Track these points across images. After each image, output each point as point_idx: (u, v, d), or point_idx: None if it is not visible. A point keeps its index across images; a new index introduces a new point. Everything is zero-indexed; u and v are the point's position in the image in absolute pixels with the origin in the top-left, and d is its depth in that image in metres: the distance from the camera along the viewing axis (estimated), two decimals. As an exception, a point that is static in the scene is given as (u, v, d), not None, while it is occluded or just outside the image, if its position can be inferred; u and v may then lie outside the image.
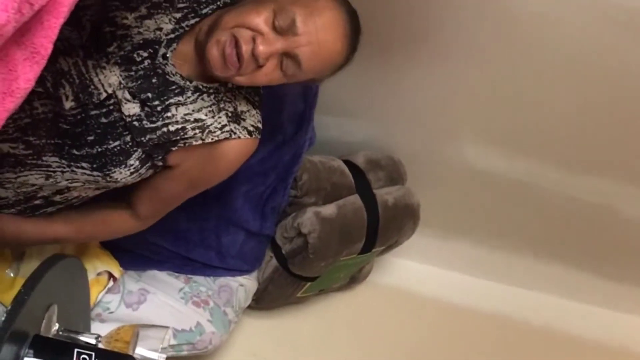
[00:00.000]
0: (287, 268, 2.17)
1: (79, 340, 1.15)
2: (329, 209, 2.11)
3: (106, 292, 1.77)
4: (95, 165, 1.30)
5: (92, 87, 1.26)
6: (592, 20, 1.88)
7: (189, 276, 1.98)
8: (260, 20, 1.23)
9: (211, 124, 1.36)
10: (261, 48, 1.21)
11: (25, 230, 1.44)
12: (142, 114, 1.31)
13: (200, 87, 1.35)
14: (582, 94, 2.08)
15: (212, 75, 1.29)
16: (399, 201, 2.24)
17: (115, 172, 1.32)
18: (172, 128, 1.33)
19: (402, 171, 2.38)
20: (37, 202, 1.41)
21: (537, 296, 2.77)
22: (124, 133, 1.30)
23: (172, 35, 1.31)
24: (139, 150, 1.32)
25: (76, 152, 1.28)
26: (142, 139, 1.31)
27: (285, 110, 2.02)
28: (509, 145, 2.32)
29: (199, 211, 1.89)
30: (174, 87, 1.33)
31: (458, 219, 2.65)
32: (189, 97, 1.35)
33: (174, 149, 1.35)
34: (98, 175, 1.32)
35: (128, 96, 1.28)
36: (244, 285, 2.09)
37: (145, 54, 1.30)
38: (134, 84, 1.29)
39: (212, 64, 1.23)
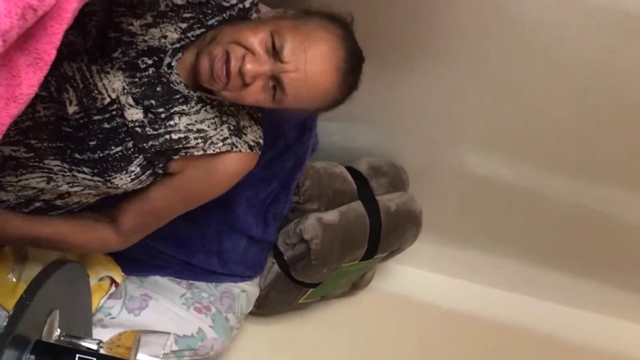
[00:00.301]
0: (289, 274, 2.17)
1: (81, 345, 1.15)
2: (331, 215, 2.11)
3: (108, 298, 1.77)
4: (96, 170, 1.30)
5: (96, 92, 1.26)
6: (594, 27, 1.88)
7: (191, 282, 1.98)
8: (255, 39, 1.23)
9: (213, 135, 1.37)
10: (248, 67, 1.21)
11: (15, 226, 1.40)
12: (145, 121, 1.31)
13: (204, 97, 1.36)
14: (584, 101, 2.08)
15: (202, 86, 1.29)
16: (402, 208, 2.24)
17: (116, 177, 1.32)
18: (174, 136, 1.33)
19: (405, 178, 2.38)
20: (38, 204, 1.41)
21: (539, 303, 2.76)
22: (127, 139, 1.31)
23: (178, 45, 1.31)
24: (141, 156, 1.32)
25: (78, 156, 1.28)
26: (144, 145, 1.31)
27: (288, 117, 2.02)
28: (511, 152, 2.32)
29: (201, 217, 1.88)
30: (178, 96, 1.33)
31: (460, 225, 2.64)
32: (192, 107, 1.35)
33: (175, 157, 1.36)
34: (99, 181, 1.32)
35: (131, 102, 1.29)
36: (246, 291, 2.09)
37: (149, 62, 1.30)
38: (138, 90, 1.29)
39: (200, 74, 1.24)
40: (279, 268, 2.18)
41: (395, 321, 2.63)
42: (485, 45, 2.02)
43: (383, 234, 2.19)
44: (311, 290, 2.28)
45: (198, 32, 1.33)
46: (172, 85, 1.32)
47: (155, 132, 1.32)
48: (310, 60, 1.24)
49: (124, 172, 1.32)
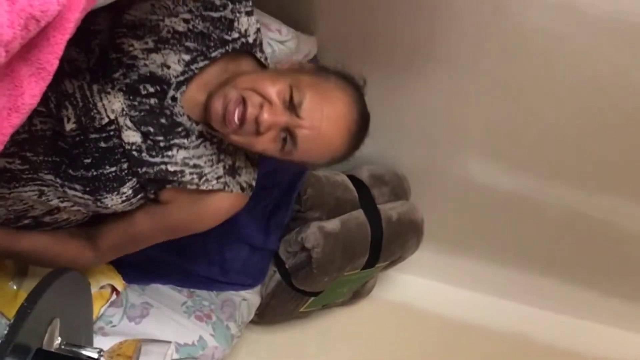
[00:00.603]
0: (291, 283, 2.17)
1: (82, 354, 1.15)
2: (332, 224, 2.11)
3: (109, 306, 1.76)
4: (88, 189, 1.30)
5: (95, 111, 1.26)
6: (596, 36, 1.88)
7: (192, 290, 1.98)
8: (273, 90, 1.24)
9: (208, 173, 1.38)
10: (266, 116, 1.22)
11: None
12: (143, 146, 1.31)
13: (205, 133, 1.37)
14: (585, 109, 2.08)
15: (211, 126, 1.30)
16: (403, 216, 2.24)
17: (107, 197, 1.32)
18: (170, 168, 1.34)
19: (406, 186, 2.38)
20: (26, 221, 1.41)
21: (539, 312, 2.76)
22: (122, 160, 1.30)
23: (182, 78, 1.32)
24: (134, 179, 1.33)
25: (72, 172, 1.28)
26: (139, 169, 1.31)
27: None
28: (512, 160, 2.32)
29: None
30: (180, 128, 1.34)
31: (462, 234, 2.64)
32: (192, 142, 1.36)
33: (168, 186, 1.36)
34: (89, 199, 1.32)
35: (129, 124, 1.29)
36: (247, 299, 2.08)
37: (152, 89, 1.30)
38: (137, 113, 1.30)
39: (212, 115, 1.24)
40: (280, 276, 2.18)
41: (396, 330, 2.62)
42: (486, 52, 2.02)
43: (384, 242, 2.19)
44: (312, 299, 2.28)
45: (201, 64, 1.34)
46: (175, 117, 1.33)
47: (152, 160, 1.32)
48: (326, 119, 1.26)
49: (116, 193, 1.32)
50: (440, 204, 2.50)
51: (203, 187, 1.37)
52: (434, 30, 2.01)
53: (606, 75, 1.97)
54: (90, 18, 1.29)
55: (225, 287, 2.03)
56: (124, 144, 1.29)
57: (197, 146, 1.37)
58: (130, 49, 1.28)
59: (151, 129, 1.31)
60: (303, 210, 2.15)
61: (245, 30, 1.41)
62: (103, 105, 1.27)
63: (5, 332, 0.94)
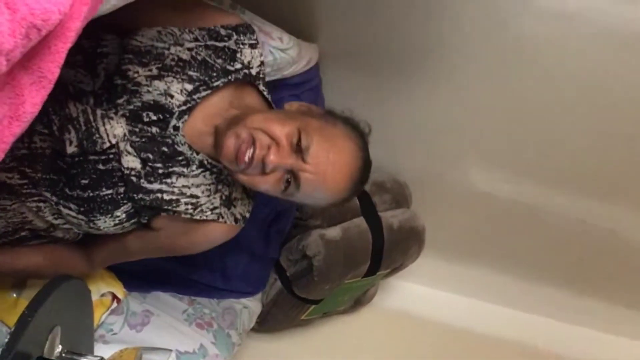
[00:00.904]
0: (292, 290, 2.17)
1: (82, 362, 1.15)
2: (334, 232, 2.11)
3: (110, 314, 1.76)
4: (82, 209, 1.30)
5: (97, 135, 1.27)
6: (598, 43, 1.89)
7: (193, 298, 1.98)
8: (282, 132, 1.25)
9: (204, 203, 1.39)
10: (272, 157, 1.23)
11: None
12: (142, 172, 1.31)
13: (206, 162, 1.38)
14: (587, 118, 2.08)
15: (219, 161, 1.33)
16: (404, 224, 2.24)
17: (100, 219, 1.32)
18: (166, 197, 1.35)
19: (408, 194, 2.38)
20: (23, 233, 1.41)
21: (541, 320, 2.76)
22: (119, 184, 1.31)
23: (184, 107, 1.32)
24: (129, 204, 1.33)
25: (68, 192, 1.28)
26: (135, 195, 1.32)
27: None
28: (514, 168, 2.32)
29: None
30: (180, 157, 1.35)
31: (463, 242, 2.64)
32: (192, 171, 1.37)
33: (162, 214, 1.37)
34: (82, 219, 1.32)
35: (130, 149, 1.29)
36: (248, 307, 2.08)
37: (154, 117, 1.31)
38: (138, 140, 1.30)
39: (224, 152, 1.25)
40: (281, 284, 2.18)
41: (397, 338, 2.62)
42: (488, 61, 2.03)
43: (386, 250, 2.19)
44: (313, 306, 2.27)
45: (204, 94, 1.35)
46: (176, 146, 1.34)
47: (149, 186, 1.33)
48: (331, 165, 1.27)
49: (109, 215, 1.32)
50: (441, 212, 2.50)
51: (196, 217, 1.39)
52: (435, 38, 2.02)
53: (608, 84, 1.97)
54: (98, 41, 1.30)
55: (226, 294, 2.03)
56: (122, 169, 1.30)
57: (197, 175, 1.38)
58: (135, 75, 1.29)
59: (151, 156, 1.32)
60: (304, 218, 2.15)
61: (249, 62, 1.43)
62: (105, 130, 1.27)
63: (6, 340, 0.94)
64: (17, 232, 1.39)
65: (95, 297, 1.68)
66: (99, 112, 1.27)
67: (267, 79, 1.49)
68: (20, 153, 1.26)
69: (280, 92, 1.92)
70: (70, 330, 1.15)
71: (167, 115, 1.31)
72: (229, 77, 1.38)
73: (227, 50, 1.40)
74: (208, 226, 1.42)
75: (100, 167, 1.29)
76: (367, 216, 2.21)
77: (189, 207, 1.37)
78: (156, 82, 1.30)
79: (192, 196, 1.37)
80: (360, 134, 1.38)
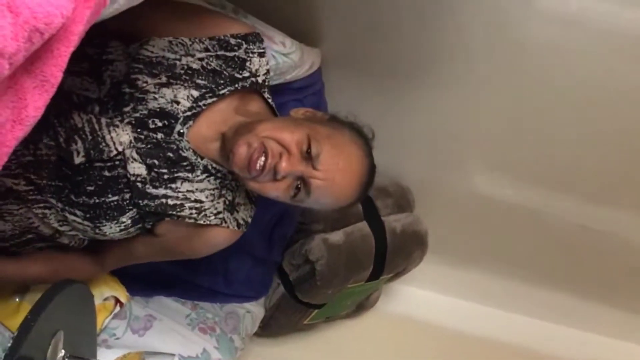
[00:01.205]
0: (295, 295, 2.16)
1: (85, 367, 1.15)
2: (336, 236, 2.10)
3: (112, 318, 1.76)
4: (88, 215, 1.31)
5: (104, 144, 1.27)
6: (601, 47, 1.89)
7: (196, 302, 1.98)
8: (292, 140, 1.26)
9: (208, 208, 1.40)
10: (284, 165, 1.24)
11: (7, 271, 1.44)
12: (147, 178, 1.32)
13: (210, 167, 1.39)
14: (590, 123, 2.08)
15: (228, 169, 1.35)
16: (407, 228, 2.24)
17: (106, 225, 1.33)
18: (170, 202, 1.36)
19: (411, 198, 2.38)
20: (30, 236, 1.41)
21: (545, 325, 2.75)
22: (125, 190, 1.31)
23: (189, 113, 1.33)
24: (135, 210, 1.34)
25: (74, 198, 1.29)
26: (140, 202, 1.33)
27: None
28: (517, 173, 2.32)
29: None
30: (185, 163, 1.35)
31: (466, 246, 2.64)
32: (197, 176, 1.38)
33: (166, 218, 1.38)
34: (88, 225, 1.33)
35: (135, 156, 1.30)
36: (251, 312, 2.08)
37: (159, 124, 1.31)
38: (143, 146, 1.31)
39: (236, 160, 1.25)
40: (284, 289, 2.18)
41: (400, 342, 2.62)
42: (492, 67, 2.03)
43: (389, 255, 2.19)
44: (316, 311, 2.27)
45: (209, 101, 1.35)
46: (181, 152, 1.34)
47: (155, 191, 1.33)
48: (340, 172, 1.29)
49: (115, 221, 1.33)
50: (444, 216, 2.50)
51: (200, 222, 1.40)
52: (438, 43, 2.02)
53: (611, 88, 1.97)
54: (104, 48, 1.31)
55: (229, 299, 2.03)
56: (128, 175, 1.30)
57: (201, 180, 1.39)
58: (144, 85, 1.29)
59: (156, 162, 1.32)
60: (307, 222, 2.15)
61: (256, 70, 1.44)
62: (111, 138, 1.28)
63: (9, 345, 0.94)
64: (24, 234, 1.40)
65: (98, 301, 1.69)
66: (103, 120, 1.27)
67: (269, 93, 1.50)
68: (25, 160, 1.26)
69: (283, 96, 1.92)
70: (73, 335, 1.15)
71: (172, 121, 1.32)
72: (236, 86, 1.39)
73: (236, 59, 1.41)
74: (211, 231, 1.42)
75: (106, 173, 1.29)
76: (370, 220, 2.21)
77: (193, 211, 1.38)
78: (164, 90, 1.31)
79: (196, 201, 1.38)
80: (365, 140, 1.40)
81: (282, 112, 1.50)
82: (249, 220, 1.49)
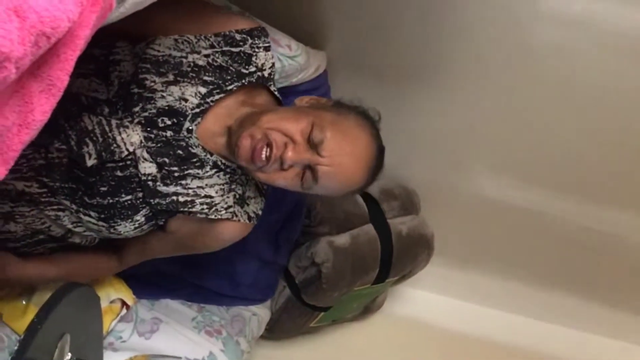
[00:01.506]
0: (301, 298, 2.16)
1: (91, 369, 1.15)
2: (342, 239, 2.10)
3: (119, 321, 1.76)
4: (102, 216, 1.32)
5: (115, 145, 1.28)
6: (607, 49, 1.89)
7: (202, 305, 1.98)
8: (297, 129, 1.27)
9: (218, 203, 1.40)
10: (290, 154, 1.25)
11: (28, 274, 1.44)
12: (158, 176, 1.33)
13: (219, 163, 1.39)
14: (595, 124, 2.08)
15: (235, 162, 1.35)
16: (413, 231, 2.24)
17: (120, 225, 1.34)
18: (181, 199, 1.36)
19: (416, 201, 2.37)
20: (42, 236, 1.42)
21: (551, 327, 2.75)
22: (137, 189, 1.32)
23: (197, 110, 1.34)
24: (147, 208, 1.35)
25: (87, 200, 1.30)
26: (152, 200, 1.34)
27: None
28: (523, 175, 2.32)
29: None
30: (195, 159, 1.36)
31: (472, 249, 2.64)
32: (207, 172, 1.38)
33: (178, 215, 1.39)
34: (103, 226, 1.33)
35: (146, 155, 1.30)
36: (257, 314, 2.08)
37: (169, 122, 1.32)
38: (154, 145, 1.31)
39: (240, 153, 1.26)
40: (290, 291, 2.18)
41: (407, 345, 2.61)
42: (498, 69, 2.02)
43: (395, 257, 2.19)
44: (322, 313, 2.27)
45: (217, 97, 1.36)
46: (190, 148, 1.35)
47: (165, 189, 1.34)
48: (347, 156, 1.29)
49: (129, 220, 1.34)
50: (450, 219, 2.50)
51: (211, 217, 1.40)
52: (444, 45, 2.02)
53: (617, 90, 1.97)
54: (110, 48, 1.31)
55: (235, 301, 2.03)
56: (140, 175, 1.31)
57: (211, 176, 1.39)
58: (152, 84, 1.30)
59: (167, 160, 1.33)
60: (313, 224, 2.15)
61: (262, 65, 1.44)
62: (122, 139, 1.28)
63: (16, 348, 0.94)
64: (36, 235, 1.40)
65: (104, 303, 1.69)
66: (113, 121, 1.28)
67: (275, 86, 1.50)
68: (37, 163, 1.27)
69: (289, 99, 1.92)
70: (79, 338, 1.15)
71: (181, 119, 1.33)
72: (243, 81, 1.40)
73: (242, 54, 1.42)
74: (222, 225, 1.42)
75: (118, 174, 1.30)
76: (375, 223, 2.20)
77: (204, 207, 1.38)
78: (172, 88, 1.32)
79: (206, 196, 1.38)
80: (371, 122, 1.40)
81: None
82: (260, 212, 1.49)
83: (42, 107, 0.71)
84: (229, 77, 1.38)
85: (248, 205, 1.46)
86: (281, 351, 2.41)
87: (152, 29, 1.36)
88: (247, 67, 1.42)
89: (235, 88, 1.38)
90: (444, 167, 2.39)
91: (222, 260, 1.97)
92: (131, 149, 1.29)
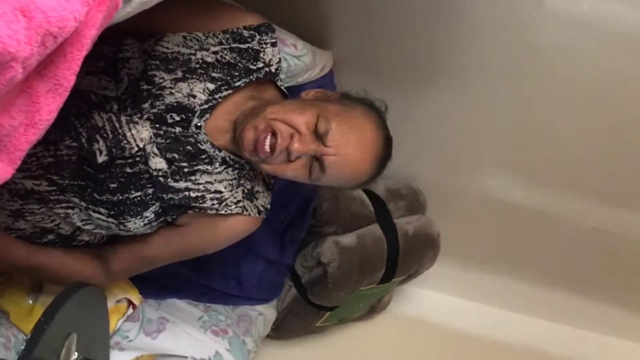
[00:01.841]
0: (307, 297, 2.16)
1: (98, 369, 1.15)
2: (348, 239, 2.10)
3: (125, 320, 1.77)
4: (112, 212, 1.32)
5: (125, 141, 1.29)
6: (614, 48, 1.88)
7: (208, 305, 1.98)
8: (302, 120, 1.28)
9: (228, 198, 1.41)
10: (296, 146, 1.26)
11: (9, 248, 1.40)
12: (168, 171, 1.33)
13: (228, 159, 1.40)
14: (602, 125, 2.07)
15: (241, 155, 1.36)
16: (419, 231, 2.23)
17: (130, 221, 1.34)
18: (192, 194, 1.37)
19: (422, 201, 2.37)
20: (51, 237, 1.42)
21: (558, 327, 2.74)
22: (147, 185, 1.33)
23: (206, 106, 1.34)
24: (157, 204, 1.35)
25: (97, 197, 1.30)
26: (164, 196, 1.34)
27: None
28: (529, 175, 2.31)
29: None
30: (204, 155, 1.37)
31: (478, 249, 2.63)
32: (215, 168, 1.39)
33: (189, 211, 1.39)
34: (112, 222, 1.34)
35: (156, 151, 1.31)
36: (263, 314, 2.08)
37: (177, 118, 1.32)
38: (163, 141, 1.32)
39: (244, 145, 1.28)
40: (296, 291, 2.18)
41: (413, 345, 2.61)
42: (503, 68, 2.02)
43: (401, 257, 2.18)
44: (328, 313, 2.27)
45: (225, 93, 1.37)
46: (199, 145, 1.36)
47: (176, 185, 1.35)
48: (353, 146, 1.30)
49: (139, 217, 1.34)
50: (456, 218, 2.49)
51: (222, 212, 1.40)
52: (450, 46, 2.01)
53: (622, 90, 1.96)
54: (119, 46, 1.32)
55: (241, 301, 2.03)
56: (150, 170, 1.32)
57: (220, 172, 1.40)
58: (161, 81, 1.31)
59: (176, 156, 1.34)
60: (319, 224, 2.14)
61: (269, 60, 1.46)
62: (132, 135, 1.29)
63: (23, 347, 0.94)
64: (45, 235, 1.40)
65: (111, 303, 1.69)
66: (123, 118, 1.29)
67: (281, 86, 1.50)
68: (46, 161, 1.28)
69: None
70: (86, 337, 1.15)
71: (190, 115, 1.33)
72: (251, 77, 1.41)
73: (250, 51, 1.43)
74: (233, 220, 1.43)
75: (128, 170, 1.31)
76: (382, 223, 2.20)
77: (215, 202, 1.39)
78: (180, 84, 1.32)
79: (216, 192, 1.39)
80: (378, 113, 1.41)
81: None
82: (268, 206, 1.50)
83: (48, 106, 0.71)
84: (237, 74, 1.38)
85: (257, 199, 1.47)
86: (287, 351, 2.41)
87: (160, 26, 1.37)
88: (255, 63, 1.42)
89: (243, 84, 1.39)
90: (450, 167, 2.39)
91: (228, 260, 1.97)
92: (141, 145, 1.30)
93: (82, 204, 1.31)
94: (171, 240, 1.44)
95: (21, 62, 0.62)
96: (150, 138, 1.31)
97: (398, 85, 2.15)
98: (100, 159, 1.27)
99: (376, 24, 2.03)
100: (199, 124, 1.34)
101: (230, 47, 1.40)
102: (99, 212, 1.32)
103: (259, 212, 1.47)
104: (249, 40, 1.43)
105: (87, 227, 1.39)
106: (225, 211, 1.40)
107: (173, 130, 1.33)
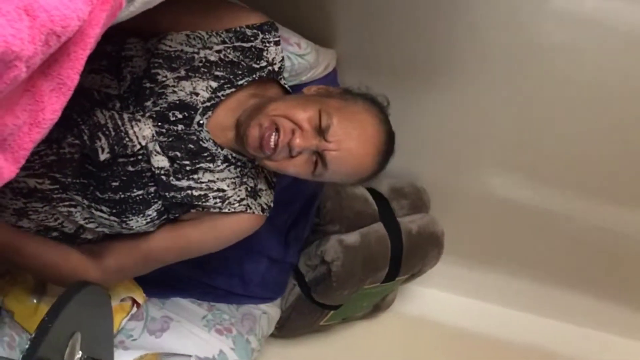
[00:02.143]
0: (310, 296, 2.16)
1: (102, 368, 1.15)
2: (352, 237, 2.10)
3: (129, 319, 1.77)
4: (114, 211, 1.32)
5: (127, 139, 1.29)
6: (616, 49, 1.88)
7: (212, 304, 1.98)
8: (304, 116, 1.28)
9: (231, 196, 1.41)
10: (298, 141, 1.26)
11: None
12: (171, 170, 1.34)
13: (230, 157, 1.40)
14: (605, 123, 2.07)
15: (245, 153, 1.36)
16: (423, 229, 2.23)
17: (132, 219, 1.34)
18: (195, 193, 1.37)
19: (426, 199, 2.37)
20: (55, 234, 1.42)
21: (562, 326, 2.74)
22: (149, 183, 1.33)
23: (208, 104, 1.35)
24: (160, 202, 1.35)
25: (99, 195, 1.30)
26: (167, 194, 1.34)
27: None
28: (533, 173, 2.31)
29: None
30: (206, 153, 1.37)
31: (482, 247, 2.63)
32: (218, 166, 1.39)
33: (192, 210, 1.39)
34: (115, 221, 1.34)
35: (158, 149, 1.31)
36: (267, 313, 2.08)
37: (180, 116, 1.33)
38: (165, 139, 1.32)
39: (249, 142, 1.28)
40: (300, 290, 2.18)
41: (417, 343, 2.61)
42: (505, 67, 2.02)
43: (404, 256, 2.18)
44: (332, 312, 2.27)
45: (228, 91, 1.37)
46: (201, 142, 1.36)
47: (179, 183, 1.35)
48: (355, 140, 1.30)
49: (141, 215, 1.34)
50: (460, 217, 2.49)
51: (225, 210, 1.40)
52: (450, 46, 2.01)
53: (625, 88, 1.96)
54: (122, 44, 1.32)
55: (245, 300, 2.03)
56: (153, 169, 1.32)
57: (222, 170, 1.40)
58: (164, 79, 1.31)
59: (178, 154, 1.34)
60: (323, 223, 2.14)
61: (273, 59, 1.46)
62: (134, 132, 1.29)
63: (27, 346, 0.94)
64: (49, 232, 1.40)
65: (115, 302, 1.69)
66: (125, 116, 1.29)
67: (285, 84, 1.50)
68: (49, 160, 1.28)
69: (297, 97, 1.93)
70: (90, 336, 1.15)
71: (192, 112, 1.34)
72: (254, 76, 1.41)
73: (253, 49, 1.43)
74: (236, 218, 1.43)
75: (130, 168, 1.31)
76: (385, 221, 2.20)
77: (217, 200, 1.39)
78: (183, 83, 1.33)
79: (219, 190, 1.39)
80: (380, 108, 1.41)
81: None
82: (271, 204, 1.50)
83: (52, 105, 0.71)
84: (240, 72, 1.39)
85: (260, 197, 1.47)
86: (291, 349, 2.41)
87: (163, 26, 1.37)
88: (258, 61, 1.43)
89: (246, 83, 1.39)
90: (453, 166, 2.38)
91: (232, 259, 1.97)
92: (143, 143, 1.30)
93: (85, 202, 1.31)
94: (172, 238, 1.43)
95: (25, 61, 0.62)
96: (153, 136, 1.31)
97: (401, 84, 2.15)
98: (103, 156, 1.27)
99: (379, 23, 2.03)
100: (201, 122, 1.34)
101: (233, 45, 1.40)
102: (101, 211, 1.32)
103: (263, 210, 1.46)
104: (252, 39, 1.43)
105: (90, 225, 1.38)
106: (229, 209, 1.40)
107: (175, 128, 1.33)
